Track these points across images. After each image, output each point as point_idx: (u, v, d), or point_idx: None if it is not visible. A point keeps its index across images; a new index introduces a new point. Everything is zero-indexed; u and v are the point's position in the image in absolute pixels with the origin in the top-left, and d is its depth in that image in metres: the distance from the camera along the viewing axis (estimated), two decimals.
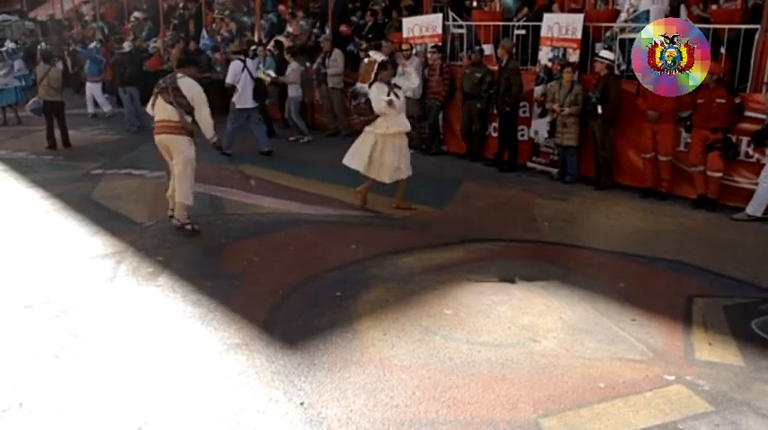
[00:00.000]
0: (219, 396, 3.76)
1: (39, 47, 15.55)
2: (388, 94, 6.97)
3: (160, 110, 6.51)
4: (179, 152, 6.54)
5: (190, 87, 6.48)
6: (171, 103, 6.44)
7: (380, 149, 7.05)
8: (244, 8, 16.19)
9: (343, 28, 12.43)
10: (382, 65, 7.12)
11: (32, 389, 3.85)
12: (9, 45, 17.57)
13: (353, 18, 12.72)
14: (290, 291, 5.23)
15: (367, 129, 7.17)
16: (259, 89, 10.54)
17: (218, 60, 14.04)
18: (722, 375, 3.95)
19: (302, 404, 3.66)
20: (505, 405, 3.66)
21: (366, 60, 7.53)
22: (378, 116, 7.02)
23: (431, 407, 3.64)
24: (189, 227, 6.67)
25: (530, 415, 3.57)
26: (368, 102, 7.01)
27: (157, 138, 6.61)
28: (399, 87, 7.14)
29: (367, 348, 4.29)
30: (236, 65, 10.44)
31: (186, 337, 4.48)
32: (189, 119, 6.52)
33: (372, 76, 7.13)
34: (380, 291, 5.22)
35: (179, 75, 6.58)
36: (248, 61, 10.60)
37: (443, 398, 3.71)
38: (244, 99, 10.32)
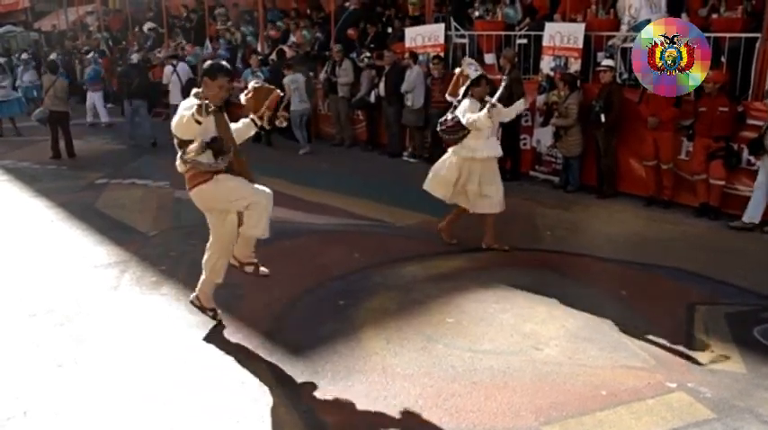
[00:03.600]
0: (222, 403, 3.78)
1: (50, 57, 15.63)
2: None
3: None
4: None
5: None
6: None
7: (466, 176, 6.18)
8: (246, 17, 16.27)
9: (350, 32, 12.47)
10: (474, 81, 6.15)
11: (36, 396, 3.87)
12: (23, 56, 17.67)
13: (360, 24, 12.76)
14: (293, 299, 5.24)
15: (452, 150, 6.29)
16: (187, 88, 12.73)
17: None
18: (724, 382, 3.95)
19: (305, 412, 3.68)
20: (507, 413, 3.66)
21: (457, 71, 6.66)
22: (467, 133, 6.05)
23: (433, 415, 3.64)
24: None
25: (531, 422, 3.57)
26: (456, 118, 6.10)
27: None
28: (495, 106, 5.96)
29: (370, 356, 4.30)
30: (167, 68, 13.12)
31: (189, 346, 4.50)
32: None
33: (462, 90, 6.26)
34: (383, 299, 5.24)
35: None
36: (179, 65, 13.10)
37: (445, 406, 3.72)
38: (173, 97, 12.62)
